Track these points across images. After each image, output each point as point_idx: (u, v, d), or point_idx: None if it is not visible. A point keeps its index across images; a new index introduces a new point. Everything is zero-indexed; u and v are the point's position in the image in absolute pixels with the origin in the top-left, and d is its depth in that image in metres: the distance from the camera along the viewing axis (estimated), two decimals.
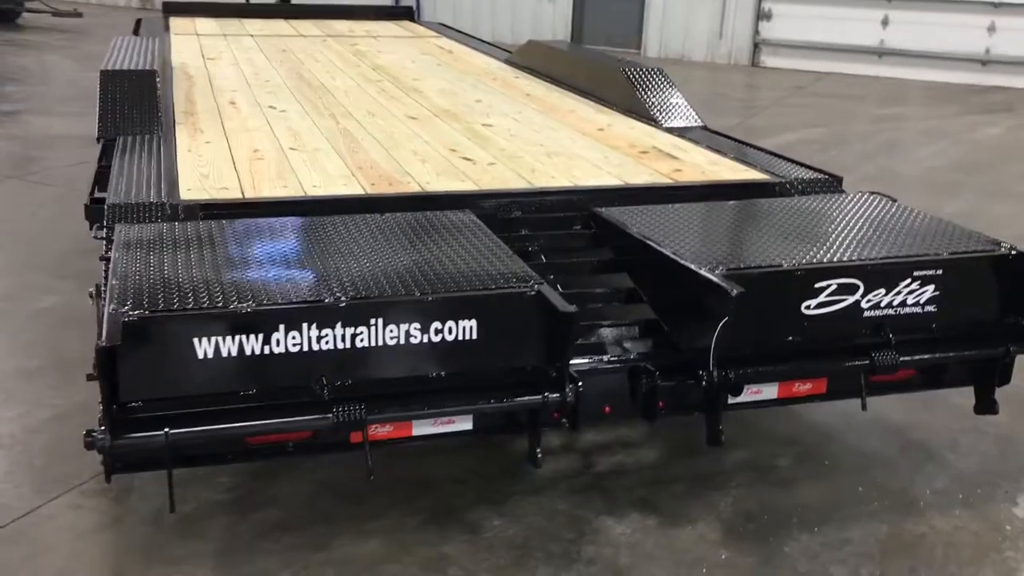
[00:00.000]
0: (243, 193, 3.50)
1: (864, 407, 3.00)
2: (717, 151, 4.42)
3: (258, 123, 4.68)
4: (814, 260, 2.92)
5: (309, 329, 2.47)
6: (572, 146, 4.42)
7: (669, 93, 5.23)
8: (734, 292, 2.65)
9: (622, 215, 3.37)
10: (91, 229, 3.34)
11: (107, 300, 2.45)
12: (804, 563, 2.86)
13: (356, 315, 2.51)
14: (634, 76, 5.32)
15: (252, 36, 7.91)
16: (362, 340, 2.53)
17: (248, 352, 2.43)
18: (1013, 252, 3.05)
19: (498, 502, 3.09)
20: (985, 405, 3.16)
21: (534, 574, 2.77)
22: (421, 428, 2.72)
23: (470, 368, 2.67)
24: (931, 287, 2.98)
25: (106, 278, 2.89)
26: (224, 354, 2.41)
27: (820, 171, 4.06)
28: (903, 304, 2.98)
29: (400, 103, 5.35)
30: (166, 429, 2.39)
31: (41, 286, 4.75)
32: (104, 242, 3.07)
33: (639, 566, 2.82)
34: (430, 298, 2.57)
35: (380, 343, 2.54)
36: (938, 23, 12.14)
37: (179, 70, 5.98)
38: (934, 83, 12.01)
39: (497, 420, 2.83)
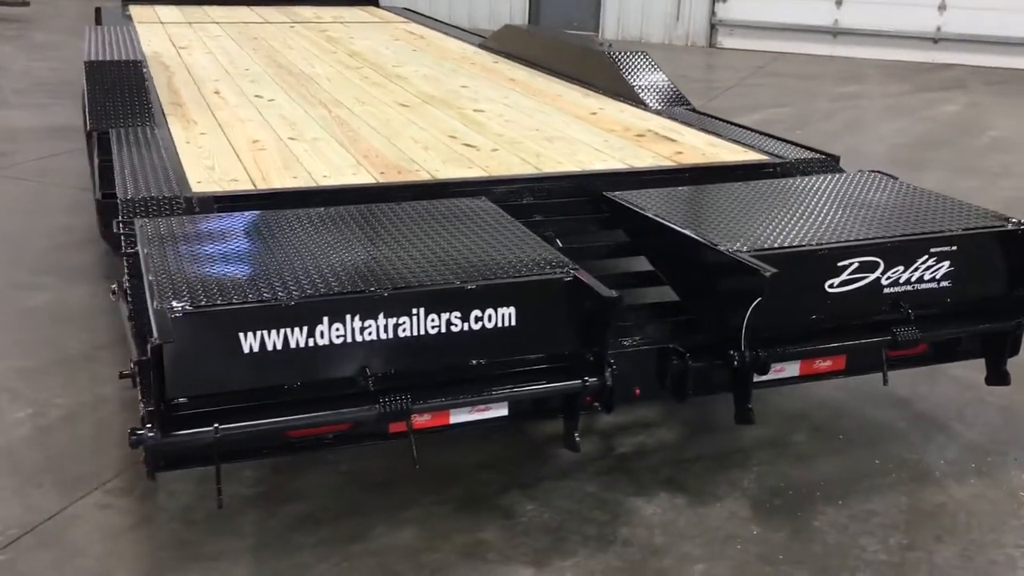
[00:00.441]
0: (254, 184, 3.46)
1: (885, 382, 3.06)
2: (712, 132, 4.47)
3: (249, 113, 4.62)
4: (836, 239, 2.97)
5: (353, 320, 2.47)
6: (568, 130, 4.44)
7: (655, 76, 5.27)
8: (768, 273, 2.69)
9: (637, 198, 3.39)
10: (102, 225, 3.28)
11: (150, 297, 2.41)
12: (834, 535, 2.92)
13: (399, 305, 2.50)
14: (620, 60, 5.35)
15: (218, 24, 7.79)
16: (404, 330, 2.53)
17: (294, 344, 2.42)
18: (1022, 227, 3.13)
19: (528, 486, 3.11)
20: (996, 376, 3.24)
21: (573, 557, 2.79)
22: (458, 416, 2.72)
23: (508, 355, 2.68)
24: (946, 263, 3.06)
25: (130, 275, 2.86)
26: (270, 347, 2.40)
27: (817, 151, 4.13)
28: (920, 280, 3.05)
29: (386, 90, 5.32)
30: (215, 424, 2.36)
31: (27, 283, 4.65)
32: (122, 238, 3.01)
33: (675, 545, 2.86)
34: (471, 286, 2.57)
35: (422, 332, 2.54)
36: (890, 2, 12.34)
37: (154, 60, 5.87)
38: (888, 61, 12.21)
39: (532, 406, 2.84)
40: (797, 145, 4.25)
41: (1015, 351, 3.24)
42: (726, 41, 13.30)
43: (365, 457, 3.16)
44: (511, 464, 3.23)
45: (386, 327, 2.51)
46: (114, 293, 2.93)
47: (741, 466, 3.27)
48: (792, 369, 3.07)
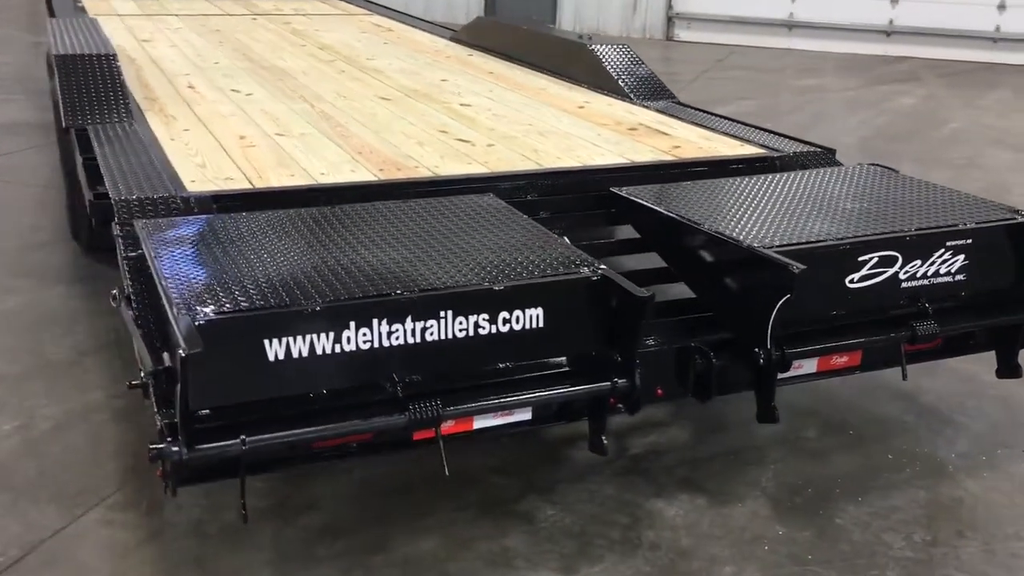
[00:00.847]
0: (251, 183, 3.33)
1: (905, 376, 3.04)
2: (702, 126, 4.43)
3: (229, 108, 4.47)
4: (855, 234, 2.95)
5: (380, 324, 2.37)
6: (560, 125, 4.37)
7: (639, 69, 5.22)
8: (797, 269, 2.64)
9: (647, 194, 3.33)
10: (94, 226, 3.13)
11: (168, 304, 2.28)
12: (858, 533, 2.90)
13: (427, 308, 2.41)
14: (602, 53, 5.29)
15: (176, 16, 7.58)
16: (432, 334, 2.44)
17: (320, 351, 2.32)
18: None
19: (545, 490, 3.04)
20: (1008, 370, 3.24)
21: (601, 562, 2.73)
22: (482, 421, 2.64)
23: (535, 357, 2.61)
24: (961, 256, 3.05)
25: (133, 280, 2.72)
26: (296, 354, 2.29)
27: (813, 144, 4.12)
28: (936, 274, 3.04)
29: (365, 84, 5.19)
30: (242, 436, 2.25)
31: (0, 285, 4.45)
32: (120, 240, 2.87)
33: (702, 547, 2.81)
34: (499, 287, 2.49)
35: (449, 336, 2.45)
36: None
37: (119, 53, 5.64)
38: (843, 54, 12.33)
39: (557, 409, 2.77)
40: (790, 138, 4.22)
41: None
42: (683, 34, 13.33)
43: (377, 463, 3.06)
44: (524, 467, 3.16)
45: (413, 331, 2.42)
46: (115, 299, 2.78)
47: (757, 464, 3.23)
48: (810, 366, 3.04)
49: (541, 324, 2.55)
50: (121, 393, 3.49)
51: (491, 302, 2.48)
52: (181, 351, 2.07)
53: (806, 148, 4.04)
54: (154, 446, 2.24)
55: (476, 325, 2.48)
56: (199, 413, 2.26)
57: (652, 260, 3.34)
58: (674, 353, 2.88)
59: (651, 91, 5.04)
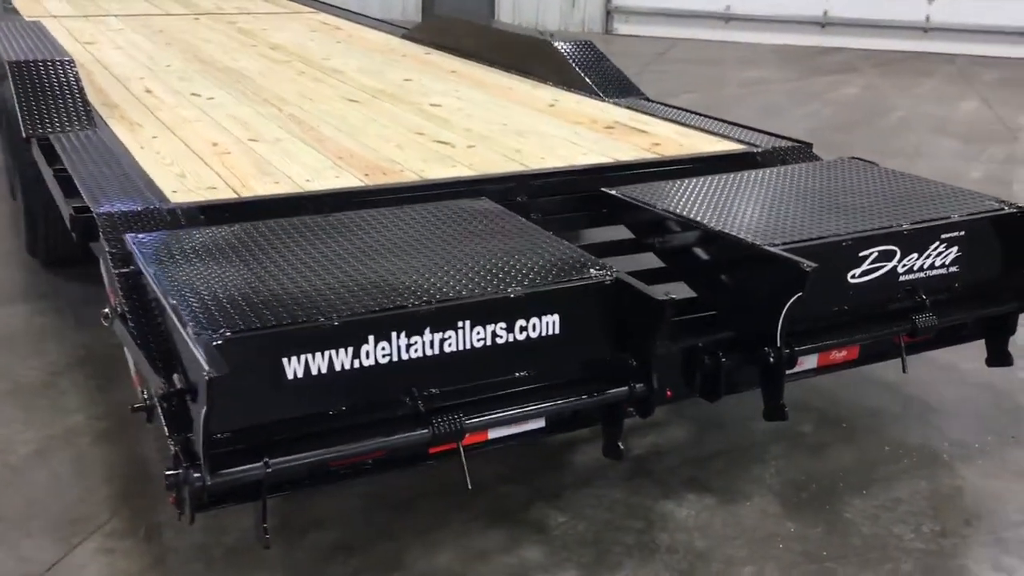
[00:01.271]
0: (236, 192, 3.22)
1: (904, 369, 3.07)
2: (676, 122, 4.43)
3: (193, 113, 4.33)
4: (854, 229, 2.96)
5: (399, 337, 2.30)
6: (535, 124, 4.32)
7: (605, 65, 5.20)
8: (809, 268, 2.64)
9: (642, 193, 3.30)
10: (77, 240, 2.99)
11: (179, 323, 2.18)
12: (868, 527, 2.91)
13: (445, 319, 2.35)
14: (567, 50, 5.26)
15: (116, 17, 7.34)
16: (450, 345, 2.37)
17: (339, 367, 2.24)
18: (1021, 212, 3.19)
19: (553, 497, 3.00)
20: (999, 358, 3.29)
21: (622, 569, 2.70)
22: (496, 431, 2.59)
23: (552, 364, 2.56)
24: (955, 248, 3.08)
25: (126, 296, 2.60)
26: (315, 371, 2.21)
27: (790, 139, 4.13)
28: (932, 267, 3.07)
29: (327, 85, 5.08)
30: (265, 459, 2.16)
31: None
32: (108, 255, 2.74)
33: (718, 548, 2.79)
34: (515, 295, 2.44)
35: (467, 346, 2.39)
36: None
37: None
38: (780, 46, 12.50)
39: (570, 416, 2.73)
40: (765, 133, 4.24)
41: (1011, 331, 3.30)
42: (622, 28, 13.38)
43: (381, 477, 2.98)
44: (529, 474, 3.11)
45: (431, 343, 2.35)
46: (106, 317, 2.66)
47: (760, 461, 3.24)
48: (810, 362, 3.05)
49: (557, 331, 2.50)
50: (102, 414, 3.36)
51: (509, 310, 2.43)
52: (206, 374, 1.97)
53: (784, 143, 4.06)
54: (171, 472, 2.14)
55: (494, 334, 2.43)
56: (217, 436, 2.17)
57: (645, 260, 3.31)
58: (680, 354, 2.86)
59: (619, 88, 5.02)
